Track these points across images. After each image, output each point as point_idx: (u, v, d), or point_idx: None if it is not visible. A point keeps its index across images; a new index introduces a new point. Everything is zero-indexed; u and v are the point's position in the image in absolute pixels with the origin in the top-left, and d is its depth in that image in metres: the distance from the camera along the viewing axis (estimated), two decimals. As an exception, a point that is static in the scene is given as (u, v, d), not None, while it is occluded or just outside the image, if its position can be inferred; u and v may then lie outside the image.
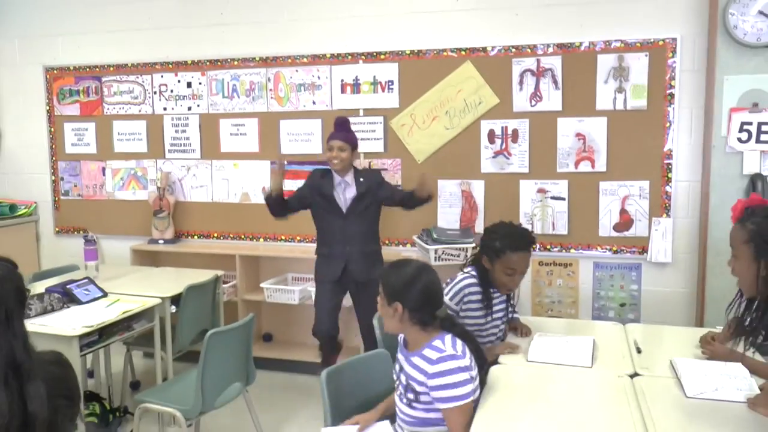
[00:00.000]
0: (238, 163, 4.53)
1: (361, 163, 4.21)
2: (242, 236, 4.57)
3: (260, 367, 3.25)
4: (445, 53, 4.04)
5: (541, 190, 3.96)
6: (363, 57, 4.19)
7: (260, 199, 4.46)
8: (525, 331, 2.70)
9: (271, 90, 4.40)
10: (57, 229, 5.02)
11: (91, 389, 3.63)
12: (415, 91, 4.11)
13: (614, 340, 2.61)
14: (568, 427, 1.88)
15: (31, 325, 2.77)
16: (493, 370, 2.24)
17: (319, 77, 4.30)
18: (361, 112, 4.23)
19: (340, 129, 3.60)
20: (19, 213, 4.95)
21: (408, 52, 4.11)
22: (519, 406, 2.02)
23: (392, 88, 4.16)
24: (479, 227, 4.05)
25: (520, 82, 3.93)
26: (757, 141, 3.53)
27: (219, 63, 4.48)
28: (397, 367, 2.12)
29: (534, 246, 2.65)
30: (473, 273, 2.67)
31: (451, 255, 3.83)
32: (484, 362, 2.11)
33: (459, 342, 2.00)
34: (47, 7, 4.84)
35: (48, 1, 4.82)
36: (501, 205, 4.01)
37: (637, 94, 3.76)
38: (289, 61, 4.34)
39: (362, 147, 4.20)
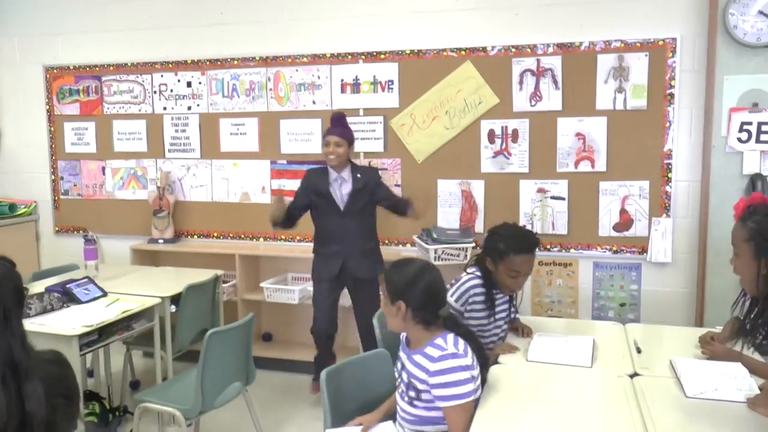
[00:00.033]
0: (238, 163, 4.52)
1: (361, 163, 4.21)
2: (242, 236, 4.57)
3: (260, 367, 3.25)
4: (445, 53, 4.04)
5: (541, 190, 3.96)
6: (363, 57, 4.19)
7: (260, 199, 4.49)
8: (526, 332, 2.70)
9: (271, 90, 4.40)
10: (57, 228, 5.02)
11: (91, 389, 3.63)
12: (415, 90, 4.11)
13: (614, 340, 2.61)
14: (568, 427, 1.88)
15: (31, 324, 2.77)
16: (493, 370, 2.24)
17: (319, 77, 4.30)
18: (361, 112, 4.23)
19: (337, 124, 3.60)
20: (19, 212, 4.95)
21: (408, 51, 4.11)
22: (519, 406, 2.02)
23: (392, 88, 4.16)
24: (479, 227, 4.06)
25: (520, 82, 3.93)
26: (757, 141, 3.53)
27: (219, 62, 4.48)
28: (399, 365, 2.13)
29: (538, 247, 2.63)
30: (478, 274, 2.65)
31: (451, 255, 3.83)
32: (486, 362, 2.11)
33: (461, 341, 2.01)
34: (47, 6, 4.83)
35: (48, 0, 4.82)
36: (501, 204, 4.01)
37: (637, 94, 3.76)
38: (289, 60, 4.34)
39: (362, 147, 4.21)
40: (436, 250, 3.79)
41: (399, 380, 2.11)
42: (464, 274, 2.70)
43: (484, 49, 3.97)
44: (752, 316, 1.88)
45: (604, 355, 2.42)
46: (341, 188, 3.58)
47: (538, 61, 3.88)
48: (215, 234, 4.64)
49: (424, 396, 1.98)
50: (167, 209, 4.61)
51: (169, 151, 4.68)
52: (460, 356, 1.94)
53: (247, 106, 4.46)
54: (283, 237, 4.45)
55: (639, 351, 2.46)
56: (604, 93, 3.80)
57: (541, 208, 3.97)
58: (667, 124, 3.73)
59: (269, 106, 4.42)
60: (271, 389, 3.97)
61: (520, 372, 2.30)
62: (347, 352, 3.61)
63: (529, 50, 3.90)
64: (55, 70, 4.88)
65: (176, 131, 4.64)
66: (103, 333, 2.97)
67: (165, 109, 4.65)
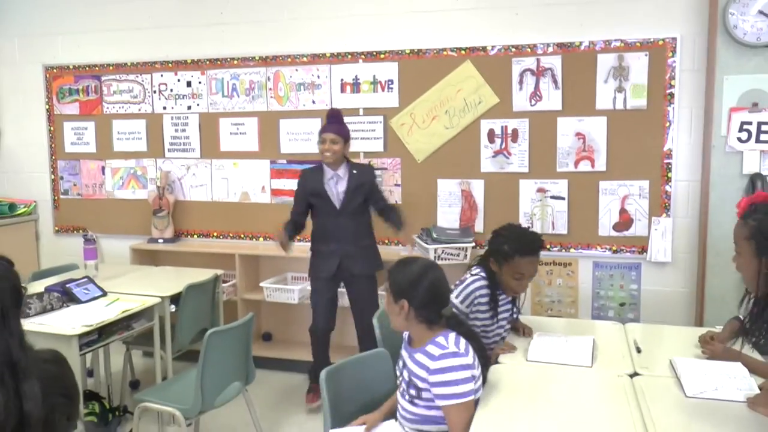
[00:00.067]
0: (238, 163, 4.52)
1: (361, 161, 4.20)
2: (242, 235, 4.57)
3: (260, 367, 3.25)
4: (444, 52, 4.04)
5: (540, 190, 3.96)
6: (363, 56, 4.19)
7: (260, 199, 4.49)
8: (527, 332, 2.70)
9: (270, 89, 4.40)
10: (56, 228, 5.02)
11: (91, 388, 3.63)
12: (414, 90, 4.11)
13: (614, 340, 2.61)
14: (568, 426, 1.88)
15: (31, 324, 2.77)
16: (493, 370, 2.24)
17: (318, 76, 4.29)
18: (361, 112, 4.23)
19: (333, 121, 3.60)
20: (19, 212, 4.95)
21: (408, 51, 4.10)
22: (519, 405, 2.02)
23: (392, 88, 4.16)
24: (479, 227, 4.06)
25: (520, 82, 3.93)
26: (757, 141, 3.53)
27: (219, 62, 4.48)
28: (401, 363, 2.13)
29: (542, 250, 2.61)
30: (483, 275, 2.63)
31: (451, 254, 3.83)
32: (488, 362, 2.12)
33: (463, 340, 2.01)
34: (47, 6, 4.83)
35: (48, 0, 4.82)
36: (501, 204, 4.01)
37: (636, 93, 3.76)
38: (289, 60, 4.34)
39: (362, 146, 4.21)
40: (435, 250, 3.79)
41: (400, 379, 2.11)
42: (469, 275, 2.67)
43: (484, 49, 3.97)
44: (753, 314, 1.88)
45: (604, 355, 2.42)
46: (337, 186, 3.57)
47: (538, 60, 3.88)
48: (215, 234, 4.64)
49: (424, 394, 1.98)
50: (167, 209, 4.61)
51: (169, 150, 4.68)
52: (460, 355, 1.94)
53: (247, 106, 4.46)
54: (282, 237, 4.44)
55: (639, 351, 2.46)
56: (604, 93, 3.80)
57: (540, 208, 3.97)
58: (667, 124, 3.73)
59: (269, 105, 4.42)
60: (270, 389, 3.97)
61: (520, 372, 2.30)
62: (346, 352, 3.61)
63: (529, 50, 3.89)
64: (54, 70, 4.88)
65: (176, 131, 4.64)
66: (103, 333, 2.96)
67: (165, 108, 4.65)
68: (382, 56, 4.15)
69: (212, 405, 2.82)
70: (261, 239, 4.52)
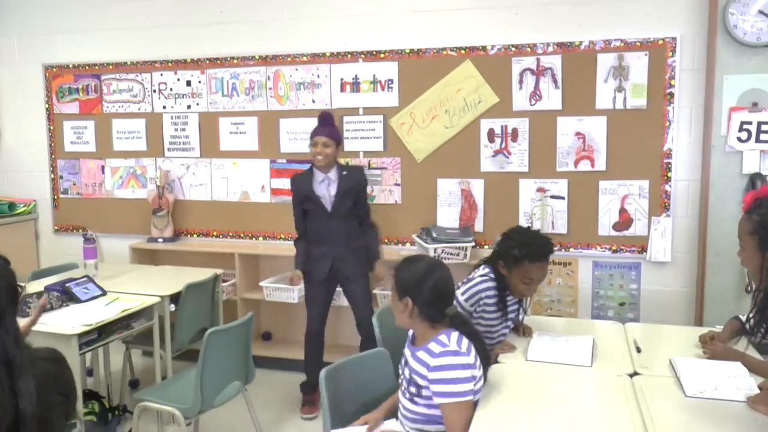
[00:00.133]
0: (238, 162, 4.52)
1: (361, 162, 4.21)
2: (241, 235, 4.57)
3: (259, 366, 3.25)
4: (444, 52, 4.04)
5: (540, 189, 3.96)
6: (363, 56, 4.19)
7: (259, 198, 4.49)
8: (527, 331, 2.69)
9: (270, 89, 4.40)
10: (56, 227, 5.02)
11: (90, 388, 3.63)
12: (414, 89, 4.10)
13: (614, 340, 2.61)
14: (568, 426, 1.88)
15: (30, 323, 2.77)
16: (493, 370, 2.24)
17: (318, 76, 4.29)
18: (361, 111, 4.23)
19: (325, 124, 3.59)
20: (18, 211, 4.95)
21: (408, 50, 4.10)
22: (519, 405, 2.02)
23: (392, 87, 4.16)
24: (479, 226, 4.06)
25: (520, 81, 3.93)
26: (757, 140, 3.53)
27: (218, 61, 4.48)
28: (403, 361, 2.13)
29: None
30: (491, 276, 2.61)
31: (451, 254, 3.83)
32: (489, 362, 2.11)
33: (465, 340, 2.00)
34: (47, 5, 4.83)
35: (47, -1, 4.83)
36: (500, 204, 4.01)
37: (636, 93, 3.76)
38: (289, 59, 4.33)
39: (362, 146, 4.21)
40: (435, 249, 3.79)
41: (402, 377, 2.11)
42: (477, 275, 2.65)
43: (483, 49, 3.97)
44: (756, 309, 1.88)
45: (604, 355, 2.42)
46: (329, 189, 3.57)
47: (538, 60, 3.88)
48: (215, 233, 4.64)
49: (424, 392, 1.97)
50: (167, 208, 4.61)
51: (169, 150, 4.67)
52: (461, 354, 1.94)
53: (247, 105, 4.46)
54: (282, 236, 4.44)
55: (639, 350, 2.46)
56: (604, 92, 3.80)
57: (540, 208, 3.97)
58: (667, 124, 3.73)
59: (269, 105, 4.42)
60: (270, 388, 3.97)
61: (520, 371, 2.30)
62: (345, 352, 3.61)
63: (528, 49, 3.89)
64: (54, 69, 4.88)
65: (176, 130, 4.64)
66: (103, 332, 2.96)
67: (164, 108, 4.65)
68: (382, 56, 4.15)
69: (212, 404, 2.82)
70: (261, 239, 4.52)
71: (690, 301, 3.79)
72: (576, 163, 3.89)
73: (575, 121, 3.86)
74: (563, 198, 3.93)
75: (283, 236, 4.44)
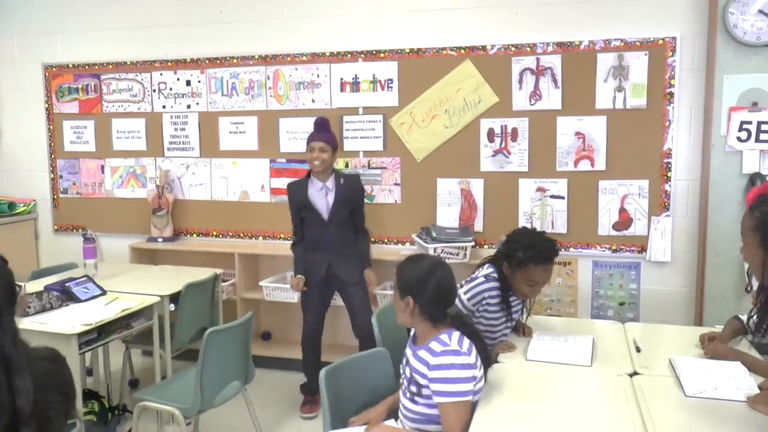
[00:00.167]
0: (237, 162, 4.52)
1: (361, 161, 4.21)
2: (241, 234, 4.57)
3: (259, 366, 3.25)
4: (444, 52, 4.04)
5: (540, 189, 3.96)
6: (362, 55, 4.19)
7: (259, 198, 4.49)
8: (527, 331, 2.69)
9: (270, 88, 4.40)
10: (56, 227, 5.01)
11: (90, 387, 3.63)
12: (414, 89, 4.10)
13: (613, 339, 2.61)
14: (568, 426, 1.88)
15: (30, 323, 2.78)
16: (493, 370, 2.24)
17: (318, 75, 4.29)
18: (361, 111, 4.22)
19: (321, 129, 3.58)
20: (18, 211, 4.94)
21: (407, 50, 4.10)
22: (519, 405, 2.02)
23: (392, 87, 4.15)
24: (478, 226, 4.06)
25: (520, 81, 3.93)
26: (757, 140, 3.53)
27: (218, 61, 4.48)
28: (404, 360, 2.13)
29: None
30: (495, 276, 2.60)
31: (451, 253, 3.83)
32: (490, 363, 2.11)
33: (466, 340, 2.00)
34: (46, 5, 4.82)
35: (47, -2, 4.83)
36: (500, 203, 4.01)
37: (636, 92, 3.75)
38: (289, 59, 4.33)
39: (362, 146, 4.21)
40: (435, 249, 3.79)
41: (403, 376, 2.11)
42: (481, 276, 2.64)
43: (483, 48, 3.97)
44: (758, 306, 1.88)
45: (604, 354, 2.42)
46: (327, 197, 3.57)
47: (538, 59, 3.88)
48: (214, 233, 4.64)
49: (424, 392, 1.97)
50: (166, 208, 4.60)
51: (169, 149, 4.67)
52: (462, 354, 1.94)
53: (247, 105, 4.45)
54: (282, 236, 4.44)
55: (638, 350, 2.46)
56: (604, 92, 3.80)
57: (540, 207, 3.97)
58: (667, 123, 3.73)
59: (268, 104, 4.41)
60: (270, 388, 3.97)
61: (519, 371, 2.30)
62: (344, 352, 3.61)
63: (528, 49, 3.89)
64: (54, 69, 4.87)
65: (175, 130, 4.64)
66: (102, 332, 2.96)
67: (164, 107, 4.65)
68: (382, 55, 4.15)
69: (211, 404, 2.82)
70: (260, 238, 4.52)
71: (690, 301, 3.79)
72: (576, 162, 3.89)
73: (575, 120, 3.86)
74: (563, 198, 3.93)
75: (282, 236, 4.44)
